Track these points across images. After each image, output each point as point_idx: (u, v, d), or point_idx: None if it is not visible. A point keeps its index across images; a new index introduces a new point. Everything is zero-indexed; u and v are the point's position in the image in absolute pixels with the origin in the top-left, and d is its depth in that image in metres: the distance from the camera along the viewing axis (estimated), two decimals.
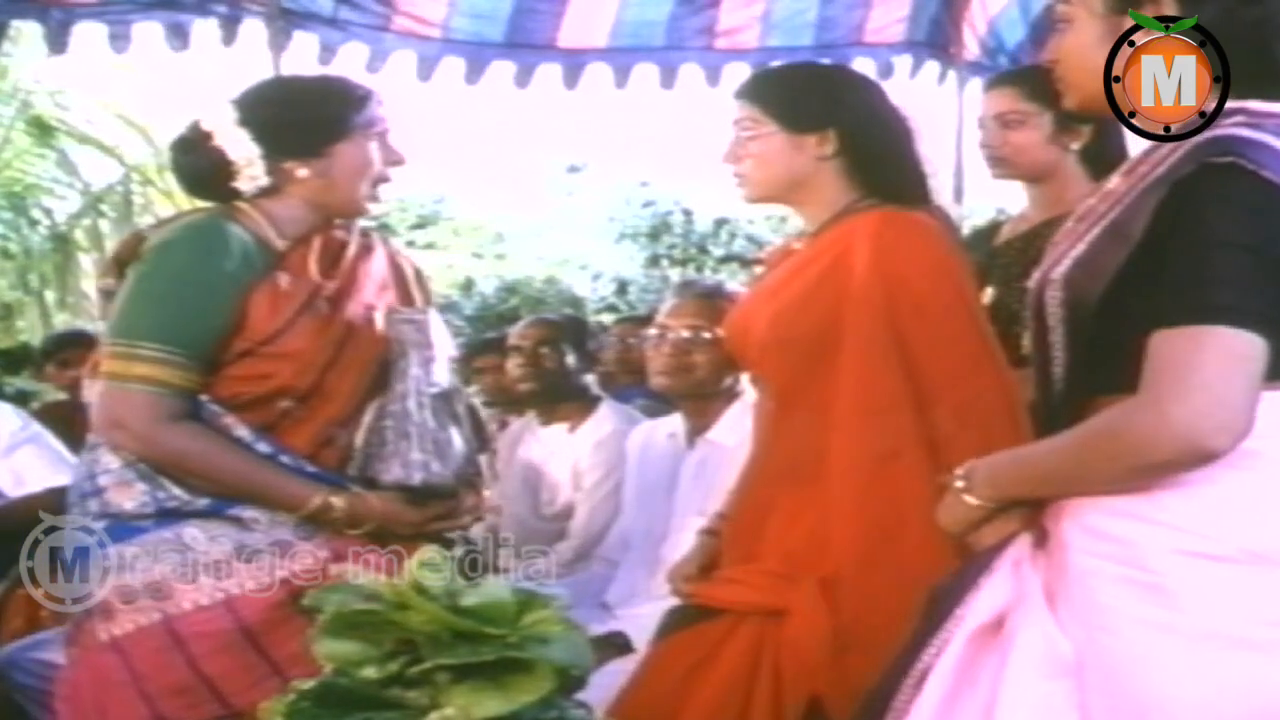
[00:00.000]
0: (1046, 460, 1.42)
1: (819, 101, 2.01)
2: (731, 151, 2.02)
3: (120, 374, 1.91)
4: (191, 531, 1.92)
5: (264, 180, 1.98)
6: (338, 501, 1.93)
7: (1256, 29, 1.33)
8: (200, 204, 2.10)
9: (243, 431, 1.93)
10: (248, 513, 1.93)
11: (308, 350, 1.94)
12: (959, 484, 1.49)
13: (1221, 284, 1.24)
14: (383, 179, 2.05)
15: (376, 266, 2.10)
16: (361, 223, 2.14)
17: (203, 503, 1.93)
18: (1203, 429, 1.23)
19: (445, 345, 2.10)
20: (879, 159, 1.99)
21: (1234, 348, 1.23)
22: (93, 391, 1.99)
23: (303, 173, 1.99)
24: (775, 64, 3.91)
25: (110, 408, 1.93)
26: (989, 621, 1.43)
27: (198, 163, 2.01)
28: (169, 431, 1.90)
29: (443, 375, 2.02)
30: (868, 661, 1.72)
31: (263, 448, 1.93)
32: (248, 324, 1.92)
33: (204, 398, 1.93)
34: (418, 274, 2.21)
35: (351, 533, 1.95)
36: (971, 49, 4.47)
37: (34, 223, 8.80)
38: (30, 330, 8.40)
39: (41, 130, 8.60)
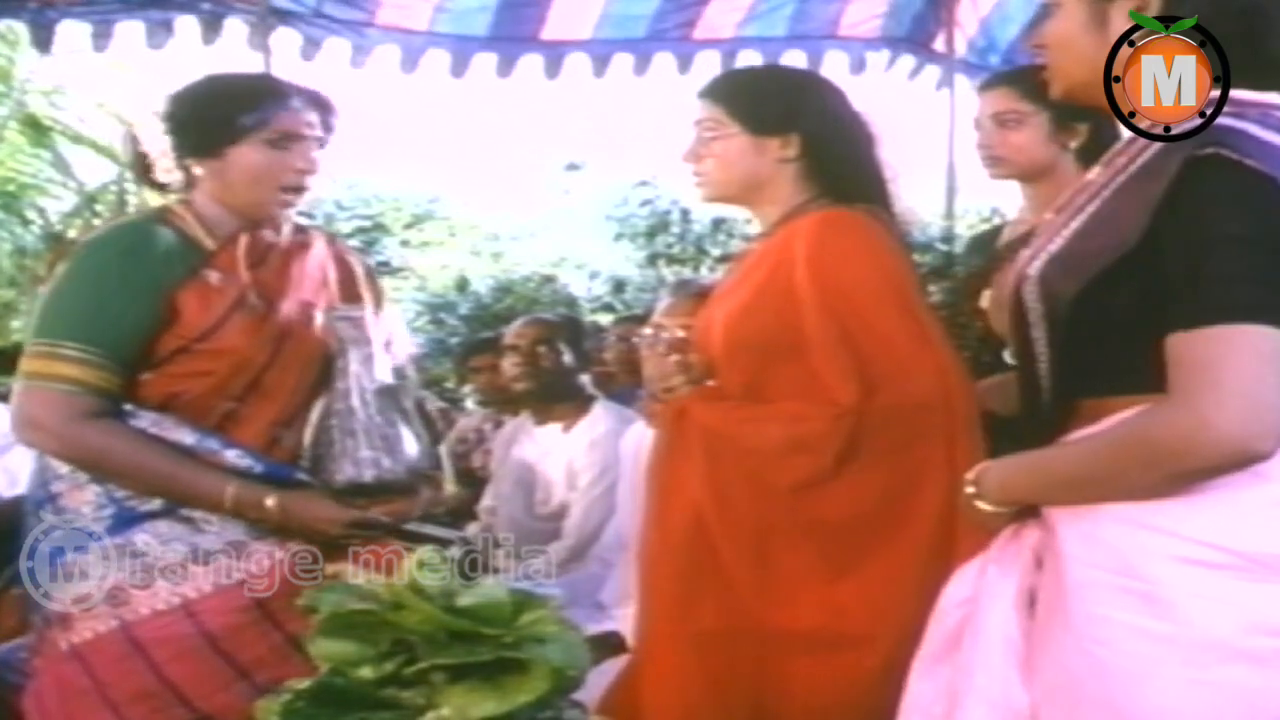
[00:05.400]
0: (1070, 466, 1.38)
1: (783, 105, 2.01)
2: (693, 150, 2.04)
3: (37, 373, 1.89)
4: (144, 537, 1.91)
5: (176, 175, 2.00)
6: (269, 501, 1.90)
7: (1246, 19, 1.32)
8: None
9: (185, 433, 1.92)
10: (198, 512, 1.92)
11: (243, 347, 1.94)
12: (969, 489, 1.46)
13: (1236, 280, 1.22)
14: (292, 186, 2.01)
15: (313, 264, 2.09)
16: (356, 220, 2.14)
17: (157, 502, 1.92)
18: (1246, 435, 1.20)
19: (400, 341, 2.11)
20: (837, 163, 2.00)
21: (1263, 347, 1.21)
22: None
23: (199, 171, 1.99)
24: (741, 65, 3.96)
25: (26, 407, 1.91)
26: (949, 632, 1.44)
27: (127, 153, 2.07)
28: (88, 429, 1.88)
29: (384, 371, 2.01)
30: (863, 657, 1.75)
31: (211, 444, 1.92)
32: (180, 321, 1.92)
33: (131, 404, 1.92)
34: (369, 272, 2.21)
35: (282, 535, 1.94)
36: (960, 49, 4.48)
37: (28, 222, 8.79)
38: (25, 330, 8.37)
39: (36, 130, 8.58)
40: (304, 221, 2.18)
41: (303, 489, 1.96)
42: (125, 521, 1.91)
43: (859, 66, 4.55)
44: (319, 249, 2.13)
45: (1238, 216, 1.24)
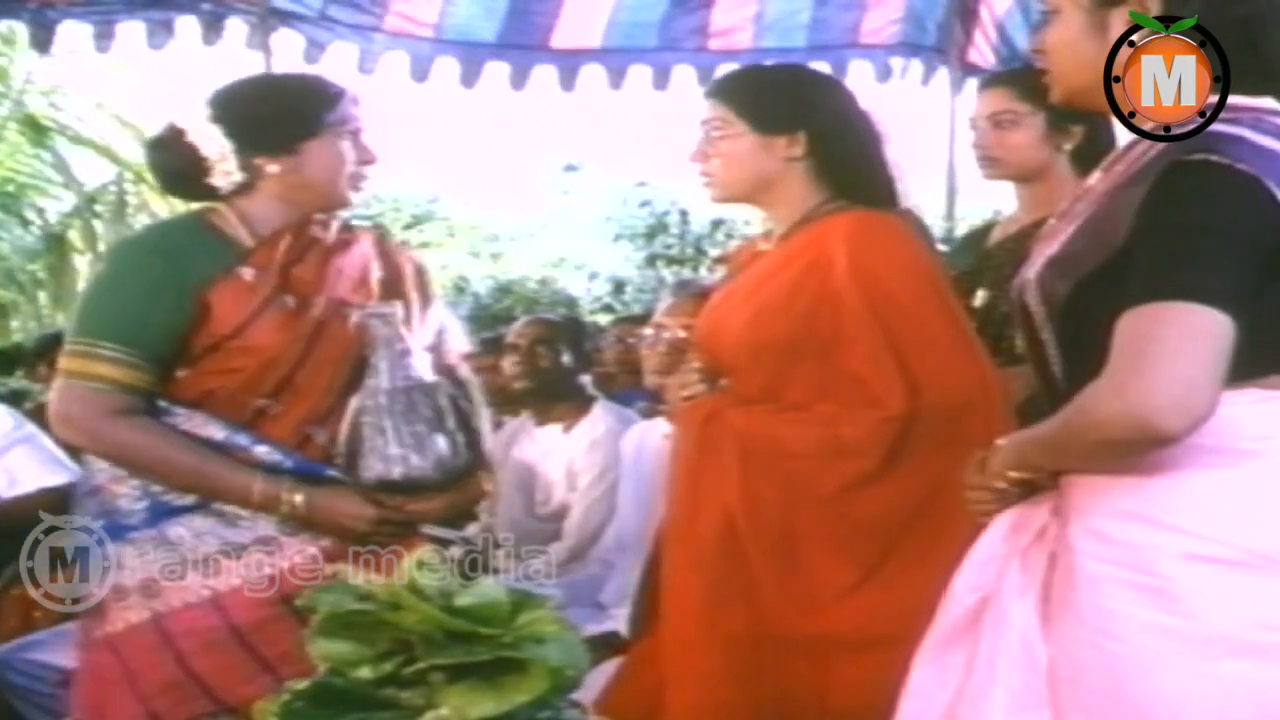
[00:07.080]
0: (1040, 436, 1.41)
1: (790, 104, 2.01)
2: (700, 150, 2.04)
3: (70, 371, 1.94)
4: (177, 530, 1.93)
5: (238, 176, 1.98)
6: (297, 497, 1.91)
7: (1244, 26, 1.33)
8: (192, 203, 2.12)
9: (215, 428, 1.93)
10: (230, 507, 1.93)
11: (273, 344, 1.94)
12: (980, 454, 1.50)
13: (1183, 264, 1.23)
14: (357, 177, 2.04)
15: (354, 262, 2.07)
16: (355, 221, 2.13)
17: (190, 496, 1.93)
18: (1154, 406, 1.20)
19: (454, 339, 2.13)
20: (847, 162, 2.00)
21: (1194, 324, 1.21)
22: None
23: (273, 169, 1.98)
24: (746, 64, 3.93)
25: (59, 403, 1.96)
26: (959, 620, 1.45)
27: (171, 160, 2.02)
28: (114, 426, 1.91)
29: (423, 369, 1.99)
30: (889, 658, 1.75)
31: (240, 440, 1.93)
32: (212, 319, 1.93)
33: (165, 401, 1.94)
34: (419, 271, 2.18)
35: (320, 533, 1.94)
36: (986, 56, 4.45)
37: (27, 223, 8.81)
38: (24, 330, 8.39)
39: (35, 130, 8.60)
40: (358, 220, 2.17)
41: (331, 486, 1.95)
42: (160, 514, 1.93)
43: (884, 74, 4.51)
44: (363, 247, 2.11)
45: (1210, 211, 1.25)
